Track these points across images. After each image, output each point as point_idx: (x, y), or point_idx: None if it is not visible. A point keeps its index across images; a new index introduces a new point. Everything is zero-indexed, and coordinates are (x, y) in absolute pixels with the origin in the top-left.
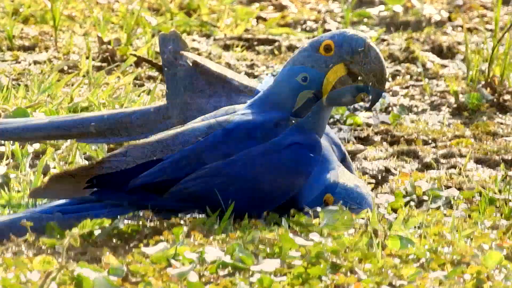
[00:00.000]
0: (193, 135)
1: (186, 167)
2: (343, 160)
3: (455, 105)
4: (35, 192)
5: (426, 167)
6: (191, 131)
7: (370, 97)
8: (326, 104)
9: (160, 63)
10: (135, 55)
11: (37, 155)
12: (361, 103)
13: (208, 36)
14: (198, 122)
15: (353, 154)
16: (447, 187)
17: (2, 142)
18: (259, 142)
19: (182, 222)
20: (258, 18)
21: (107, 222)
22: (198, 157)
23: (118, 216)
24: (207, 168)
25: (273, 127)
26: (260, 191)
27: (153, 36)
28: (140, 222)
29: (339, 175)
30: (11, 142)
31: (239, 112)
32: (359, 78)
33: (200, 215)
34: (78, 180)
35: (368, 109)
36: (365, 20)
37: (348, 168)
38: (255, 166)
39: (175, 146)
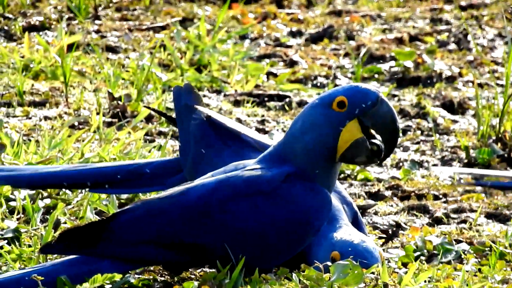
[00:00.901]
0: (202, 190)
1: (195, 220)
2: (354, 219)
3: (465, 160)
4: (45, 248)
5: (437, 222)
6: (200, 186)
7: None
8: (339, 161)
9: (173, 116)
10: (148, 107)
11: (48, 210)
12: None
13: (218, 92)
14: (207, 178)
15: (364, 209)
16: (458, 242)
17: (13, 197)
18: (268, 197)
19: (192, 276)
20: (269, 74)
21: (118, 277)
22: (207, 212)
23: (129, 270)
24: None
25: (282, 181)
26: (268, 244)
27: (163, 92)
28: (151, 277)
29: (346, 232)
30: (22, 196)
31: (249, 167)
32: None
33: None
34: (88, 236)
35: (379, 163)
36: (376, 75)
37: (360, 226)
38: (262, 218)
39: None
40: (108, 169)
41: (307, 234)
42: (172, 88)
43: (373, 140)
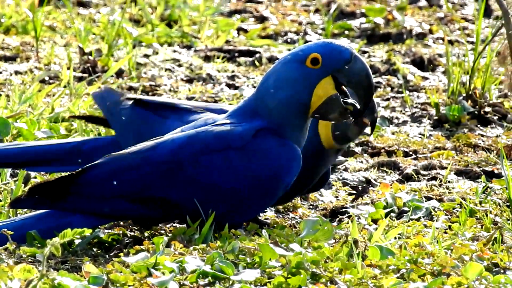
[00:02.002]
0: (173, 145)
1: (166, 175)
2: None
3: (436, 117)
4: (15, 202)
5: (407, 178)
6: (170, 141)
7: (369, 124)
8: (312, 117)
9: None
10: (74, 116)
11: None
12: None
13: (189, 48)
14: (177, 133)
15: (334, 166)
16: (428, 199)
17: None
18: (239, 152)
19: (162, 232)
20: (239, 29)
21: (87, 231)
22: (178, 167)
23: (99, 225)
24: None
25: (253, 136)
26: (238, 198)
27: (134, 47)
28: (121, 232)
29: None
30: None
31: (219, 122)
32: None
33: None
34: (57, 190)
35: (369, 135)
36: (346, 32)
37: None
38: (232, 173)
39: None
40: (45, 147)
41: (277, 189)
42: (92, 94)
43: (348, 100)
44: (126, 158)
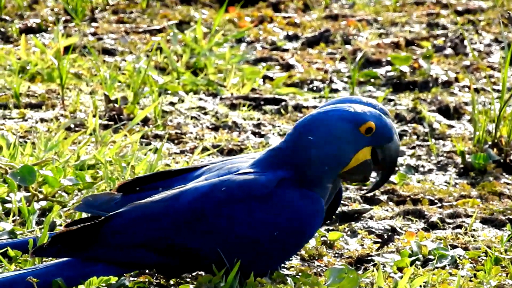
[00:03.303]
0: (196, 193)
1: (188, 224)
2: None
3: (461, 166)
4: (38, 250)
5: (432, 227)
6: (193, 190)
7: (376, 180)
8: (339, 177)
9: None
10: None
11: (44, 212)
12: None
13: (215, 96)
14: (200, 182)
15: (359, 214)
16: (453, 247)
17: (9, 198)
18: (261, 202)
19: (188, 279)
20: (265, 77)
21: (113, 279)
22: (200, 216)
23: (123, 274)
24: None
25: (276, 186)
26: (260, 249)
27: (159, 95)
28: (146, 280)
29: None
30: (18, 198)
31: (242, 171)
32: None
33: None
34: (80, 239)
35: (370, 191)
36: (372, 80)
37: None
38: (255, 223)
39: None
40: None
41: (300, 241)
42: (75, 209)
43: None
44: (149, 207)
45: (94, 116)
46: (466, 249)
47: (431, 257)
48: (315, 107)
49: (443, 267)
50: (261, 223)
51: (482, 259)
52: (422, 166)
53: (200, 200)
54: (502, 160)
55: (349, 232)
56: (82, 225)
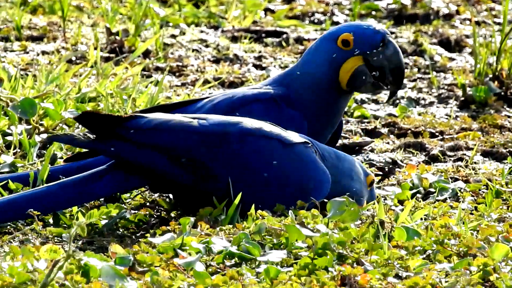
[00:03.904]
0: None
1: (212, 143)
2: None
3: (462, 98)
4: (52, 138)
5: (433, 159)
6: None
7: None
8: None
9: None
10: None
11: (45, 145)
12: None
13: (216, 28)
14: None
15: (360, 147)
16: (454, 180)
17: (10, 131)
18: (284, 150)
19: (188, 212)
20: (266, 10)
21: (114, 212)
22: (226, 138)
23: (124, 189)
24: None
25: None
26: (268, 191)
27: (161, 27)
28: (147, 213)
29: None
30: (19, 131)
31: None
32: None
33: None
34: (104, 127)
35: (387, 101)
36: (373, 12)
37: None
38: (271, 163)
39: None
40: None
41: (305, 196)
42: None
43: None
44: (175, 118)
45: (95, 48)
46: (467, 182)
47: (432, 190)
48: (316, 39)
49: (444, 200)
50: (276, 167)
51: (483, 192)
52: (423, 98)
53: (228, 125)
54: (503, 93)
55: None
56: (108, 114)
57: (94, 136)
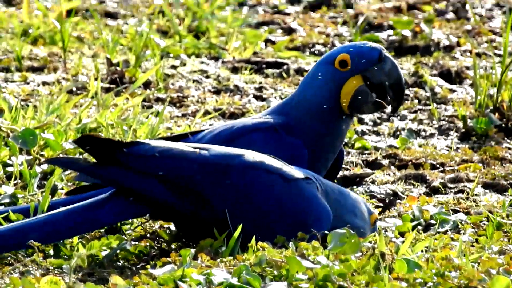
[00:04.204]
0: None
1: (213, 175)
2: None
3: (463, 130)
4: (52, 160)
5: (434, 191)
6: (224, 148)
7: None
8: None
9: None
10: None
11: (45, 176)
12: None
13: (216, 59)
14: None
15: (361, 178)
16: (455, 212)
17: (10, 162)
18: (286, 185)
19: (189, 244)
20: (267, 41)
21: (114, 243)
22: (227, 170)
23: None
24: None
25: (303, 179)
26: (266, 224)
27: (161, 58)
28: (148, 244)
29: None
30: (19, 162)
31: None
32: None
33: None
34: (103, 152)
35: (390, 116)
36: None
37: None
38: (271, 199)
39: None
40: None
41: (304, 230)
42: (74, 179)
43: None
44: (177, 147)
45: (96, 79)
46: (467, 214)
47: (433, 221)
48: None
49: (445, 232)
50: (277, 202)
51: (484, 224)
52: (424, 130)
53: (229, 157)
54: (503, 125)
55: None
56: (109, 138)
57: (95, 161)
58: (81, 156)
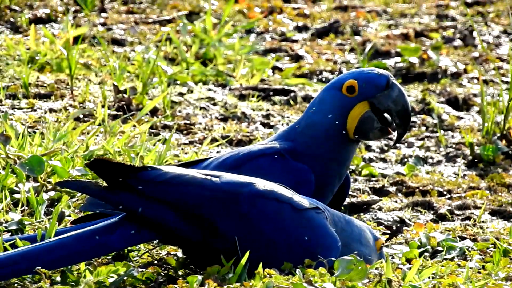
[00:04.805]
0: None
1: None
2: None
3: (470, 157)
4: (63, 183)
5: (441, 218)
6: (234, 177)
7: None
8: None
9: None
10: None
11: (52, 203)
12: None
13: (224, 86)
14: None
15: (368, 205)
16: (462, 238)
17: (17, 189)
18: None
19: (196, 270)
20: (274, 68)
21: (121, 270)
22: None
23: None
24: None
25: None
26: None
27: (168, 85)
28: (155, 271)
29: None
30: (26, 188)
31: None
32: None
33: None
34: (114, 177)
35: (395, 143)
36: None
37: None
38: (280, 228)
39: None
40: None
41: (312, 258)
42: (81, 208)
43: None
44: (189, 174)
45: (103, 106)
46: (474, 240)
47: (440, 248)
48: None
49: (452, 259)
50: (285, 231)
51: (491, 250)
52: (431, 157)
53: (240, 185)
54: (510, 152)
55: None
56: (120, 162)
57: (106, 185)
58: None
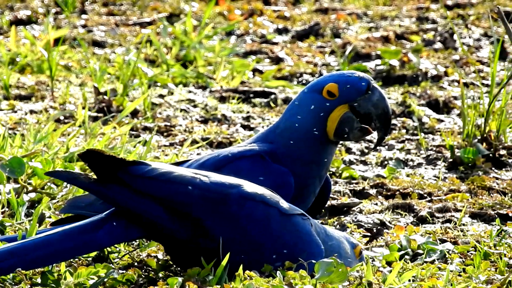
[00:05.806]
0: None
1: (209, 202)
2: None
3: (450, 160)
4: (52, 173)
5: (421, 221)
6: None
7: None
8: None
9: None
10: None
11: (33, 204)
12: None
13: (204, 88)
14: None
15: (349, 208)
16: (442, 241)
17: None
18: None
19: (177, 272)
20: (255, 70)
21: (102, 272)
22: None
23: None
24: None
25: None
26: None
27: (149, 87)
28: (135, 273)
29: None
30: (7, 190)
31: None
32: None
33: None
34: (105, 169)
35: (374, 148)
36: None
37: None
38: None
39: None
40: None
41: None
42: (60, 211)
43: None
44: (179, 171)
45: (83, 108)
46: (455, 243)
47: (420, 251)
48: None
49: (432, 262)
50: (272, 234)
51: (471, 253)
52: (412, 160)
53: (229, 186)
54: (491, 155)
55: (338, 226)
56: (112, 155)
57: (95, 178)
58: (68, 188)
